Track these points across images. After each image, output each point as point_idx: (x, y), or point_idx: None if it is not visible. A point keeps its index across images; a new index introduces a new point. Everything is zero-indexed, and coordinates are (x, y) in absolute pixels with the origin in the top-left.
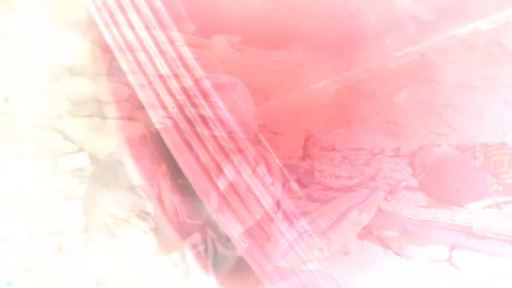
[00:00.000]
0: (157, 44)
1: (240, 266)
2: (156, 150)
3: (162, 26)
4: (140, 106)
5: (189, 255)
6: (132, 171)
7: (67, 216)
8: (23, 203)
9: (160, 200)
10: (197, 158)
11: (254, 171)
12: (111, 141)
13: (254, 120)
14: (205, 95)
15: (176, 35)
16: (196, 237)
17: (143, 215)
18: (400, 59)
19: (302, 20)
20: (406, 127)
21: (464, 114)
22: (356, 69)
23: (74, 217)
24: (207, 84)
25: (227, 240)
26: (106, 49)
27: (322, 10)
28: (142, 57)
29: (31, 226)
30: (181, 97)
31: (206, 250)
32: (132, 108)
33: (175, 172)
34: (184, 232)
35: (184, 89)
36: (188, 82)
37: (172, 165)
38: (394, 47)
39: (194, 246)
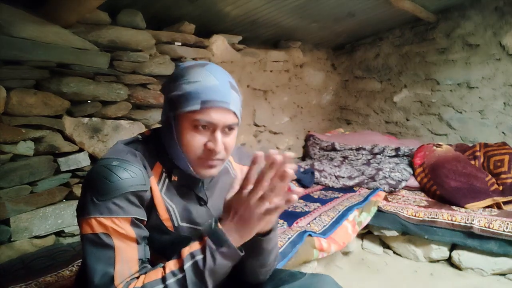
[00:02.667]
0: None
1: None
2: (151, 151)
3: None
4: (140, 106)
5: (187, 264)
6: (124, 175)
7: (67, 216)
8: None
9: (154, 205)
10: None
11: None
12: (110, 141)
13: None
14: None
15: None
16: (195, 246)
17: (136, 222)
18: (400, 59)
19: (302, 20)
20: (406, 127)
21: (464, 114)
22: (356, 69)
23: (74, 216)
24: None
25: (226, 249)
26: (106, 49)
27: (322, 10)
28: (142, 57)
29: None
30: None
31: (204, 260)
32: (132, 108)
33: (170, 174)
34: (179, 237)
35: None
36: None
37: (167, 166)
38: (394, 47)
39: (192, 256)
